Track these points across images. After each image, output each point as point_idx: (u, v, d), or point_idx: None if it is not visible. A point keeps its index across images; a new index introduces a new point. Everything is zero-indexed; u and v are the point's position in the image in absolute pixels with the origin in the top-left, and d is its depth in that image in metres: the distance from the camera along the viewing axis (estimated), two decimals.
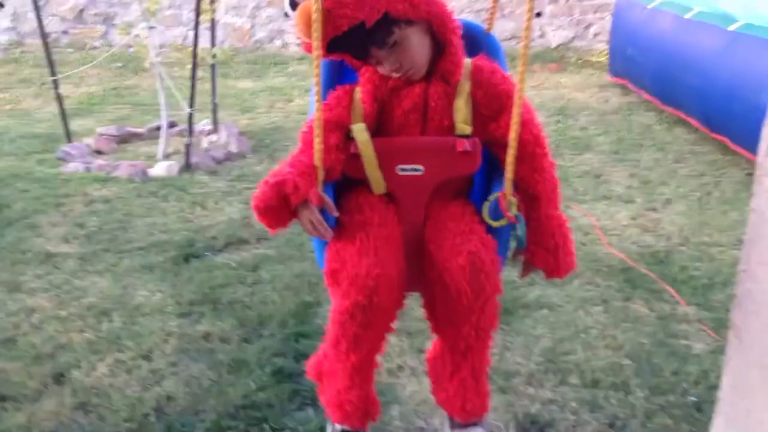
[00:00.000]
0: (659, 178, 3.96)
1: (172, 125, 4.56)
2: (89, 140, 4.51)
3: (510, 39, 7.61)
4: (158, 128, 4.54)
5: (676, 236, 3.21)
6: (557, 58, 7.17)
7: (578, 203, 3.57)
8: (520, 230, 1.64)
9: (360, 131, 1.67)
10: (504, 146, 1.59)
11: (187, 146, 4.08)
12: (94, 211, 3.46)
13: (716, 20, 4.59)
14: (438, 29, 1.67)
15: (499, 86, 1.68)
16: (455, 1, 7.47)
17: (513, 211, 1.60)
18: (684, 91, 4.77)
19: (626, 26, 5.85)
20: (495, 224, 1.63)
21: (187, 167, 4.04)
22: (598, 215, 3.44)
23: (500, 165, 1.66)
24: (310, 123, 1.67)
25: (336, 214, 1.64)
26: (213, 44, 4.62)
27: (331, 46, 1.62)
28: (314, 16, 1.46)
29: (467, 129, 1.68)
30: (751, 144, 3.95)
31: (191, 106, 4.09)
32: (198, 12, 4.05)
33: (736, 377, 1.30)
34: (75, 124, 4.78)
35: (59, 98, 4.39)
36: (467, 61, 1.72)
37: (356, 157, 1.67)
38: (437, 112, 1.69)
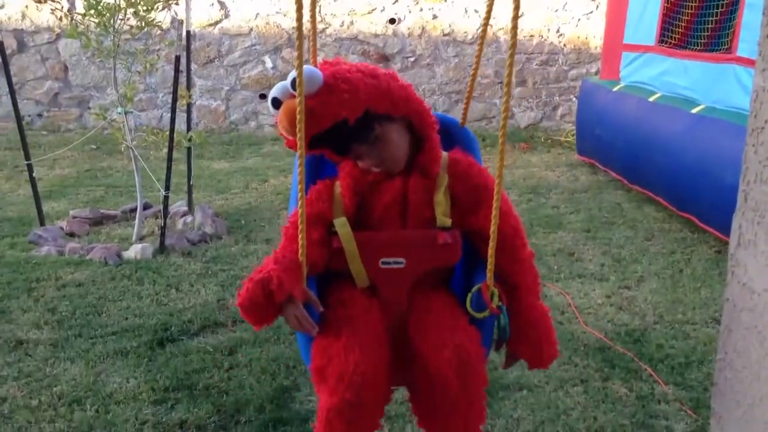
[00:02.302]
0: (631, 255, 4.02)
1: (146, 207, 4.55)
2: (62, 223, 4.48)
3: (480, 120, 7.80)
4: (132, 210, 4.53)
5: (651, 314, 3.25)
6: (527, 138, 7.34)
7: (553, 281, 3.61)
8: (503, 320, 1.63)
9: (342, 225, 1.69)
10: (483, 238, 1.61)
11: (162, 228, 4.07)
12: (67, 295, 3.41)
13: (679, 104, 4.77)
14: (417, 125, 1.72)
15: (477, 179, 1.73)
16: (425, 83, 7.67)
17: (495, 302, 1.60)
18: (652, 171, 4.90)
19: (592, 108, 6.04)
20: (479, 316, 1.63)
21: (162, 249, 4.02)
22: (573, 293, 3.47)
23: (480, 256, 1.68)
24: (291, 218, 1.71)
25: (321, 309, 1.63)
26: (189, 128, 4.68)
27: (312, 142, 1.64)
28: (299, 117, 1.46)
29: (447, 221, 1.71)
30: (718, 223, 4.06)
31: (167, 188, 4.10)
32: (175, 98, 4.11)
33: None
34: (48, 207, 4.76)
35: (33, 182, 4.38)
36: (444, 155, 1.77)
37: (339, 252, 1.68)
38: (417, 205, 1.72)
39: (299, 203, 1.56)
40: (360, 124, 1.63)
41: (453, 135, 1.88)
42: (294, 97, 1.54)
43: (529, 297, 1.71)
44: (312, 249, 1.63)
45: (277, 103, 1.61)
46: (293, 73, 1.51)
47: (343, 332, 1.58)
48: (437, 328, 1.62)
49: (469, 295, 1.65)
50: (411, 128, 1.73)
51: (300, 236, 1.57)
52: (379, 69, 1.69)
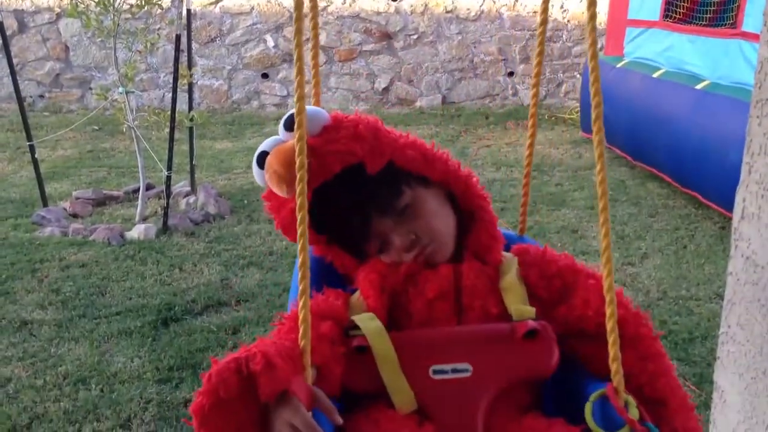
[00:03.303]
0: (635, 232, 4.01)
1: (149, 187, 4.55)
2: (65, 204, 4.48)
3: (483, 98, 7.76)
4: (135, 191, 4.53)
5: (655, 290, 3.24)
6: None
7: None
8: None
9: (367, 320, 1.18)
10: (585, 334, 1.20)
11: (165, 208, 4.07)
12: (70, 276, 3.42)
13: (684, 80, 4.73)
14: (461, 196, 1.30)
15: (557, 263, 1.31)
16: (428, 61, 7.62)
17: (634, 414, 1.06)
18: (655, 148, 4.87)
19: None
20: None
21: (165, 229, 4.02)
22: None
23: (583, 362, 1.22)
24: (288, 315, 1.21)
25: (339, 420, 1.04)
26: (191, 107, 4.66)
27: (316, 219, 1.16)
28: (298, 159, 1.01)
29: (529, 311, 1.21)
30: (722, 199, 4.04)
31: (169, 168, 4.10)
32: (176, 77, 4.09)
33: None
34: (50, 188, 4.75)
35: (35, 163, 4.38)
36: (506, 254, 1.34)
37: (364, 356, 1.15)
38: (477, 296, 1.23)
39: (300, 277, 1.03)
40: (383, 183, 1.22)
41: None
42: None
43: (683, 417, 1.17)
44: (321, 345, 1.11)
45: (262, 158, 1.22)
46: (287, 115, 1.19)
47: None
48: None
49: (588, 405, 1.09)
50: (454, 203, 1.31)
51: (300, 303, 1.02)
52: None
